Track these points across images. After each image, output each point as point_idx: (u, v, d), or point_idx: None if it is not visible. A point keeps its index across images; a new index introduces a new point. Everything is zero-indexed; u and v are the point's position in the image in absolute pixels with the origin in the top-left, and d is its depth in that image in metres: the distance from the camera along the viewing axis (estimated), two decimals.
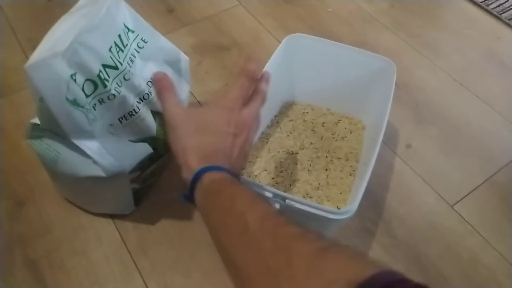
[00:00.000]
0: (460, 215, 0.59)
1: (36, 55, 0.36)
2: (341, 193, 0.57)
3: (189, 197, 0.38)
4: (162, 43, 0.50)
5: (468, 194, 0.61)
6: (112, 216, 0.56)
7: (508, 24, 0.85)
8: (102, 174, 0.44)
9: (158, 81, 0.41)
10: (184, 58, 0.54)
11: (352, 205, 0.43)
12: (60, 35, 0.38)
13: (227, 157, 0.39)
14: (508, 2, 0.88)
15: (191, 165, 0.38)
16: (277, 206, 0.44)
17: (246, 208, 0.33)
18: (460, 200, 0.60)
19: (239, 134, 0.40)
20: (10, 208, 0.57)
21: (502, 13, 0.86)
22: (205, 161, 0.38)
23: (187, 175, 0.38)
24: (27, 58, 0.36)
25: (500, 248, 0.56)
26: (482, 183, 0.62)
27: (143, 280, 0.52)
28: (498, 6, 0.88)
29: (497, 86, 0.75)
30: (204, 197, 0.36)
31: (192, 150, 0.38)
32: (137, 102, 0.46)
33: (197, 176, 0.36)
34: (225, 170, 0.37)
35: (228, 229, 0.32)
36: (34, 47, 0.38)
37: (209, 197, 0.36)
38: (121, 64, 0.43)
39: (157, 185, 0.59)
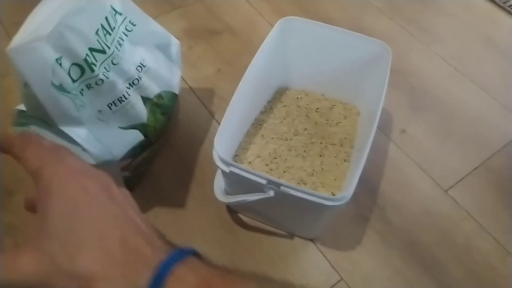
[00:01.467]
0: (455, 200, 0.59)
1: (19, 38, 0.35)
2: (335, 179, 0.56)
3: None
4: (151, 26, 0.49)
5: (462, 178, 0.61)
6: None
7: (503, 8, 0.84)
8: (91, 161, 0.43)
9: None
10: (175, 42, 0.52)
11: (347, 192, 0.42)
12: (44, 17, 0.36)
13: (140, 227, 0.26)
14: None
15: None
16: (272, 193, 0.43)
17: None
18: (454, 185, 0.60)
19: (110, 193, 0.28)
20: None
21: None
22: (134, 273, 0.24)
23: None
24: None
25: (494, 233, 0.56)
26: (477, 167, 0.62)
27: None
28: None
29: (492, 71, 0.74)
30: None
31: (95, 278, 0.24)
32: (127, 87, 0.44)
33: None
34: (178, 259, 0.25)
35: None
36: None
37: None
38: (109, 48, 0.41)
39: (149, 173, 0.58)
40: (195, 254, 0.27)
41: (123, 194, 0.29)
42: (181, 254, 0.26)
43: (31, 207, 0.30)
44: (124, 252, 0.25)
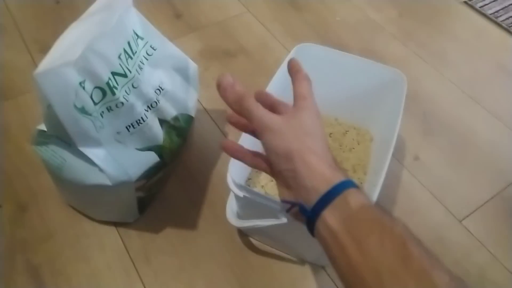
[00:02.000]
0: (468, 230, 0.58)
1: (47, 62, 0.35)
2: None
3: (309, 213, 0.31)
4: (171, 50, 0.50)
5: (476, 209, 0.60)
6: (115, 224, 0.56)
7: None
8: (108, 182, 0.43)
9: (231, 88, 0.36)
10: (193, 66, 0.53)
11: None
12: (71, 42, 0.37)
13: (339, 165, 0.35)
14: None
15: (321, 171, 0.32)
16: (285, 220, 0.43)
17: (428, 264, 0.27)
18: (469, 215, 0.60)
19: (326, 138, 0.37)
20: (12, 212, 0.56)
21: (511, 26, 0.85)
22: (336, 170, 0.32)
23: (317, 184, 0.31)
24: (33, 59, 0.35)
25: (508, 264, 0.55)
26: (491, 198, 0.62)
27: None
28: (508, 18, 0.87)
29: (506, 99, 0.74)
30: (349, 223, 0.29)
31: (313, 153, 0.32)
32: (145, 110, 0.45)
33: (338, 190, 0.30)
34: (361, 189, 0.32)
35: (406, 286, 0.26)
36: (41, 48, 0.37)
37: (360, 227, 0.29)
38: (130, 72, 0.42)
39: (162, 193, 0.59)
40: None
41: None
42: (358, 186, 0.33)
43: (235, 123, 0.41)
44: (332, 160, 0.34)
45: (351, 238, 0.29)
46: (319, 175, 0.32)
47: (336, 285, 0.52)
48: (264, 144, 0.35)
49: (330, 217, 0.30)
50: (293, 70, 0.39)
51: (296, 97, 0.37)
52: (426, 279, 0.26)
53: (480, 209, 0.60)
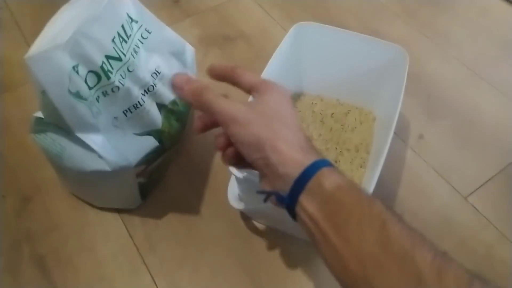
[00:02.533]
0: (475, 207, 0.57)
1: (36, 47, 0.35)
2: None
3: (287, 200, 0.31)
4: (166, 33, 0.49)
5: (482, 185, 0.59)
6: (119, 211, 0.56)
7: None
8: (107, 168, 0.43)
9: (186, 85, 0.35)
10: (190, 49, 0.52)
11: None
12: (61, 26, 0.37)
13: (311, 145, 0.33)
14: None
15: (292, 156, 0.30)
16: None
17: (409, 243, 0.26)
18: (474, 191, 0.59)
19: (298, 117, 0.36)
20: (17, 204, 0.56)
21: None
22: (307, 152, 0.31)
23: (289, 169, 0.30)
24: None
25: None
26: (496, 174, 0.60)
27: (151, 276, 0.51)
28: None
29: (511, 74, 0.73)
30: (326, 208, 0.29)
31: (282, 138, 0.31)
32: (142, 94, 0.45)
33: (310, 172, 0.29)
34: (335, 168, 0.31)
35: (389, 273, 0.26)
36: None
37: (338, 211, 0.29)
38: (125, 55, 0.41)
39: (164, 180, 0.58)
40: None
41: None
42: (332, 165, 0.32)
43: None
44: (305, 139, 0.33)
45: (330, 224, 0.29)
46: (290, 160, 0.31)
47: None
48: (232, 136, 0.33)
49: (307, 202, 0.30)
50: (228, 70, 0.38)
51: (251, 87, 0.36)
52: (408, 262, 0.25)
53: (486, 186, 0.59)
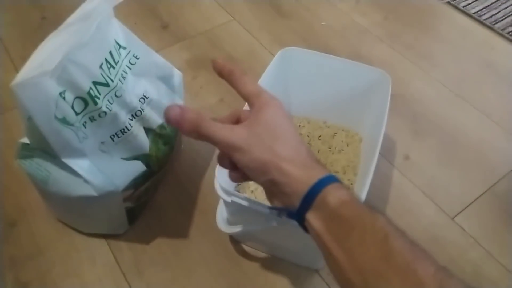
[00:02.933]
0: (461, 227, 0.58)
1: (24, 73, 0.35)
2: None
3: (295, 217, 0.32)
4: (154, 59, 0.50)
5: (468, 205, 0.60)
6: (105, 236, 0.55)
7: (501, 35, 0.85)
8: (93, 193, 0.43)
9: (182, 118, 0.32)
10: (177, 74, 0.53)
11: None
12: (48, 52, 0.37)
13: (314, 159, 0.34)
14: (500, 13, 0.89)
15: (297, 175, 0.31)
16: (274, 223, 0.43)
17: (411, 257, 0.26)
18: (461, 212, 0.59)
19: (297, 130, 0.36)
20: (1, 229, 0.55)
21: (495, 24, 0.86)
22: (311, 168, 0.32)
23: (295, 188, 0.31)
24: None
25: (503, 260, 0.55)
26: (482, 194, 0.61)
27: None
28: (491, 17, 0.88)
29: (493, 95, 0.75)
30: (330, 224, 0.30)
31: (284, 159, 0.32)
32: (129, 119, 0.45)
33: (316, 191, 0.30)
34: (340, 182, 0.32)
35: (391, 284, 0.26)
36: None
37: (341, 226, 0.29)
38: (112, 81, 0.42)
39: (152, 203, 0.58)
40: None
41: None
42: (339, 181, 0.32)
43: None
44: (307, 156, 0.33)
45: (333, 238, 0.29)
46: (296, 180, 0.31)
47: None
48: (237, 162, 0.34)
49: (313, 218, 0.31)
50: (225, 71, 0.37)
51: (247, 97, 0.35)
52: (410, 274, 0.26)
53: (472, 206, 0.60)
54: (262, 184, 0.34)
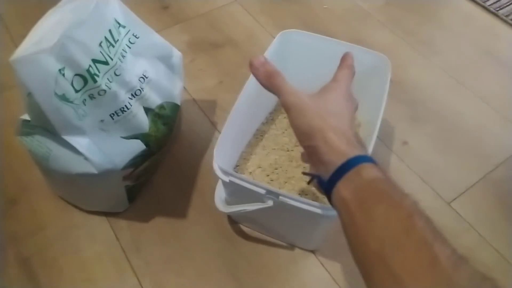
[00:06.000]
0: (457, 212, 0.58)
1: (23, 49, 0.36)
2: None
3: (326, 185, 0.34)
4: (154, 39, 0.50)
5: (465, 191, 0.61)
6: (106, 214, 0.56)
7: (505, 21, 0.84)
8: (93, 170, 0.44)
9: (262, 66, 0.38)
10: (177, 54, 0.53)
11: None
12: (47, 29, 0.37)
13: (360, 142, 0.36)
14: None
15: (338, 147, 0.33)
16: (270, 202, 0.44)
17: (431, 236, 0.27)
18: (457, 197, 0.60)
19: (353, 118, 0.39)
20: (2, 205, 0.56)
21: (499, 10, 0.86)
22: (354, 146, 0.34)
23: (334, 158, 0.33)
24: None
25: (497, 245, 0.55)
26: (479, 180, 0.62)
27: (137, 278, 0.51)
28: (495, 2, 0.87)
29: (493, 83, 0.75)
30: (359, 194, 0.31)
31: (333, 130, 0.34)
32: (129, 98, 0.45)
33: (352, 164, 0.32)
34: (377, 165, 0.33)
35: (406, 254, 0.27)
36: None
37: (369, 197, 0.31)
38: (112, 59, 0.42)
39: (151, 183, 0.59)
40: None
41: (353, 105, 0.41)
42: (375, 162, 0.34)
43: None
44: (353, 135, 0.36)
45: (359, 206, 0.31)
46: (337, 150, 0.34)
47: (326, 269, 0.53)
48: (290, 121, 0.37)
49: (343, 187, 0.32)
50: (343, 59, 0.44)
51: (331, 79, 0.41)
52: (427, 249, 0.27)
53: (468, 192, 0.61)
54: (305, 148, 0.37)
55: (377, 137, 0.49)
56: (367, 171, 0.32)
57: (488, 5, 0.86)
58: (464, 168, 0.63)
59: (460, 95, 0.73)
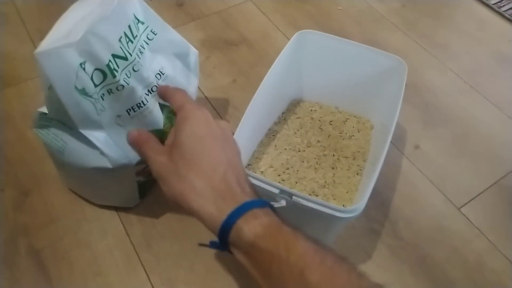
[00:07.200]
0: (467, 218, 0.58)
1: (48, 43, 0.36)
2: (347, 192, 0.56)
3: (223, 248, 0.32)
4: (171, 35, 0.50)
5: (475, 197, 0.61)
6: (116, 209, 0.56)
7: None
8: (108, 165, 0.44)
9: (133, 139, 0.36)
10: (193, 52, 0.53)
11: (360, 204, 0.42)
12: (72, 23, 0.37)
13: (238, 176, 0.33)
14: None
15: (206, 213, 0.30)
16: (283, 202, 0.44)
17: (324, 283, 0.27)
18: (467, 202, 0.60)
19: (226, 138, 0.35)
20: (15, 197, 0.57)
21: None
22: (223, 200, 0.30)
23: (210, 225, 0.31)
24: (35, 48, 0.35)
25: (507, 252, 0.55)
26: (490, 186, 0.62)
27: (146, 273, 0.51)
28: (511, 8, 0.86)
29: (507, 89, 0.74)
30: (249, 256, 0.30)
31: (196, 193, 0.31)
32: (145, 94, 0.45)
33: (227, 228, 0.30)
34: (257, 204, 0.31)
35: None
36: (43, 37, 0.37)
37: (259, 259, 0.29)
38: (131, 55, 0.42)
39: None
40: (272, 208, 0.33)
41: (235, 144, 0.36)
42: (262, 203, 0.32)
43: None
44: (221, 183, 0.32)
45: (258, 271, 0.29)
46: (207, 217, 0.31)
47: None
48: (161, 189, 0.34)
49: (236, 252, 0.31)
50: (163, 94, 0.40)
51: (176, 111, 0.37)
52: None
53: (479, 197, 0.60)
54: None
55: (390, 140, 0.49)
56: (246, 230, 0.29)
57: (503, 11, 0.86)
58: (475, 173, 0.63)
59: (474, 100, 0.72)
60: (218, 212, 0.30)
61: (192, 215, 0.32)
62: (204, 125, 0.35)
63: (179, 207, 0.32)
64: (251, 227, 0.29)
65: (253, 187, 0.35)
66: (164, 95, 0.40)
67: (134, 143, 0.37)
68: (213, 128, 0.35)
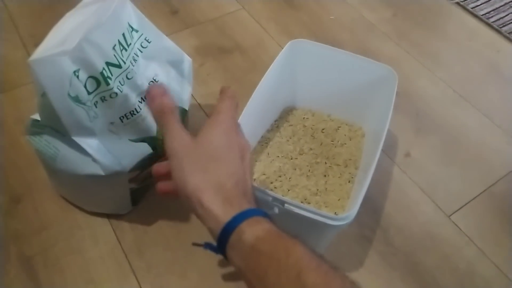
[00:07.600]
0: (457, 226, 0.59)
1: (43, 50, 0.36)
2: (339, 200, 0.56)
3: (218, 250, 0.32)
4: (165, 43, 0.50)
5: (465, 204, 0.61)
6: (108, 216, 0.56)
7: (508, 38, 0.85)
8: (100, 172, 0.44)
9: (157, 98, 0.34)
10: (187, 59, 0.54)
11: (351, 212, 0.43)
12: (67, 31, 0.38)
13: (246, 189, 0.34)
14: (508, 16, 0.89)
15: (213, 212, 0.31)
16: (276, 210, 0.44)
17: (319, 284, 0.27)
18: (458, 210, 0.60)
19: (244, 156, 0.35)
20: (6, 204, 0.57)
21: (502, 27, 0.87)
22: (231, 204, 0.31)
23: (213, 225, 0.31)
24: (28, 54, 0.36)
25: (496, 260, 0.56)
26: (480, 193, 0.62)
27: (138, 281, 0.51)
28: (499, 19, 0.88)
29: (496, 98, 0.75)
30: (248, 262, 0.30)
31: (208, 190, 0.31)
32: (139, 101, 0.46)
33: (230, 228, 0.30)
34: (260, 213, 0.31)
35: None
36: (36, 43, 0.37)
37: (257, 261, 0.29)
38: (124, 63, 0.43)
39: (155, 186, 0.59)
40: (272, 220, 0.33)
41: (250, 162, 0.36)
42: (265, 213, 0.32)
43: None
44: (232, 190, 0.32)
45: (254, 275, 0.29)
46: (212, 216, 0.31)
47: None
48: (171, 170, 0.33)
49: (232, 255, 0.31)
50: (223, 91, 0.39)
51: (214, 112, 0.37)
52: None
53: (469, 205, 0.61)
54: (188, 208, 0.33)
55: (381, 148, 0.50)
56: (248, 232, 0.30)
57: (492, 22, 0.88)
58: (465, 181, 0.64)
59: (464, 109, 0.73)
60: (223, 213, 0.31)
61: (194, 211, 0.32)
62: (235, 135, 0.36)
63: (184, 199, 0.32)
64: (254, 230, 0.30)
65: (258, 203, 0.36)
66: (220, 95, 0.39)
67: (160, 109, 0.34)
68: (242, 142, 0.36)
